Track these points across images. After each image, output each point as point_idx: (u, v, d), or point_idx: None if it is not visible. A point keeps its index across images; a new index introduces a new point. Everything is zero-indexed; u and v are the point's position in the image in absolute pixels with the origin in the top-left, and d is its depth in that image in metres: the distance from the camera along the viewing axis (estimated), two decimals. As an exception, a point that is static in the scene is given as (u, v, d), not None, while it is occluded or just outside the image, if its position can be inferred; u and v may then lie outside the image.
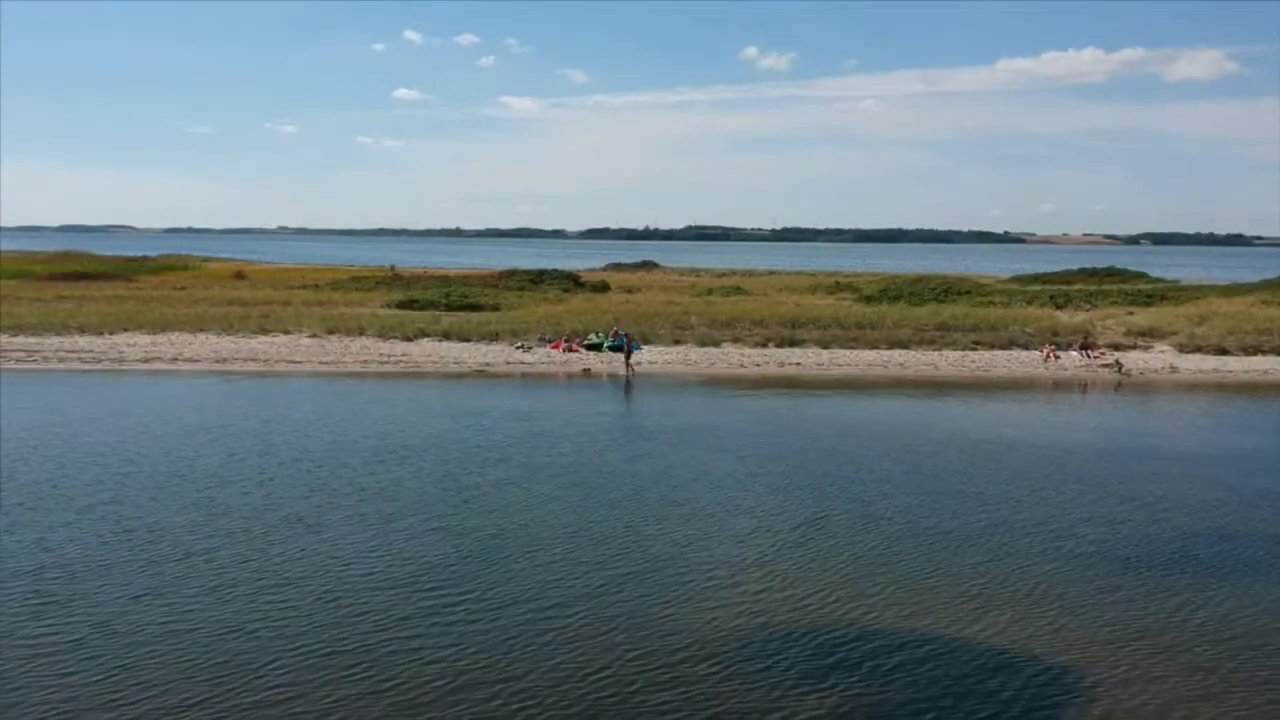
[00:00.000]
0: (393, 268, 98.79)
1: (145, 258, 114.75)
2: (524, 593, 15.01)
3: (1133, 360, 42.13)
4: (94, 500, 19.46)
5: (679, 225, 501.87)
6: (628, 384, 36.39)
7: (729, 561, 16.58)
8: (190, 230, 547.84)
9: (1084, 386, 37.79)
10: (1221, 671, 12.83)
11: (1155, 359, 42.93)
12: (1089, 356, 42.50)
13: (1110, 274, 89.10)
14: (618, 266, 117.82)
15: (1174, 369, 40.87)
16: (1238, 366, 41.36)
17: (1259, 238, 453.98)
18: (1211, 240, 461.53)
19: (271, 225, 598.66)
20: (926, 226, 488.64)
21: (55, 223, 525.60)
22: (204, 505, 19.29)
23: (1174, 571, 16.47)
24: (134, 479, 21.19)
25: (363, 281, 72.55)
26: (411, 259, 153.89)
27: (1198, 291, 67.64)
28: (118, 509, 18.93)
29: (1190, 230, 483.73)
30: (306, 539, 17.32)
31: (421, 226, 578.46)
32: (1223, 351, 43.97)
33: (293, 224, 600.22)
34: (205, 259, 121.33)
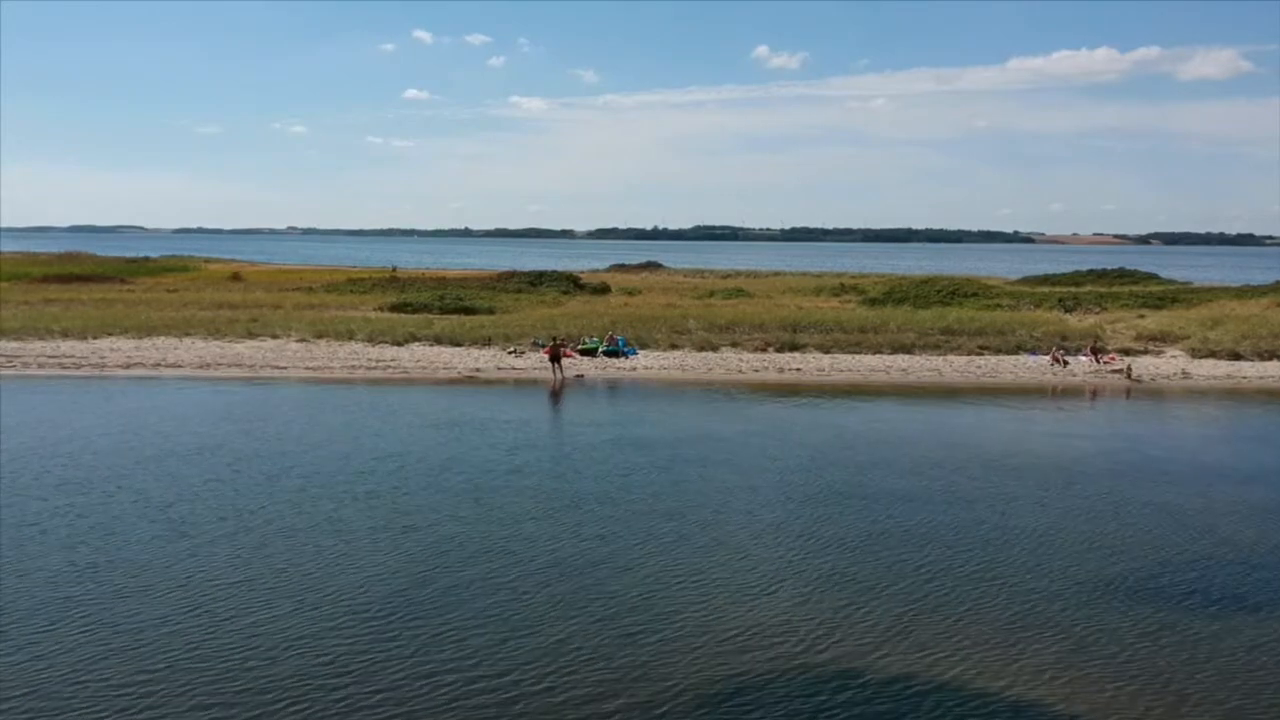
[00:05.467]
0: (393, 269, 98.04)
1: (146, 259, 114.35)
2: (523, 644, 13.83)
3: (1144, 365, 40.82)
4: (72, 537, 18.33)
5: (687, 225, 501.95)
6: (554, 393, 34.86)
7: (743, 604, 15.37)
8: (199, 230, 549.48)
9: (1093, 393, 36.49)
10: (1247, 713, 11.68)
11: (1167, 364, 41.61)
12: (1099, 362, 41.23)
13: (1120, 275, 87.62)
14: (621, 267, 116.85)
15: (1186, 374, 39.55)
16: (1252, 372, 40.01)
17: (1270, 237, 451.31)
18: (1222, 240, 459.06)
19: (280, 225, 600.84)
20: (936, 226, 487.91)
21: (65, 223, 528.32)
22: (178, 534, 18.18)
23: (1196, 600, 15.27)
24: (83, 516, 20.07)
25: (359, 283, 71.52)
26: (420, 259, 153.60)
27: (1210, 294, 66.25)
28: (79, 552, 17.79)
29: (1201, 230, 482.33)
30: (309, 582, 16.07)
31: (430, 226, 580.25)
32: (1236, 356, 42.66)
33: (302, 224, 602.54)
34: (207, 260, 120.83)
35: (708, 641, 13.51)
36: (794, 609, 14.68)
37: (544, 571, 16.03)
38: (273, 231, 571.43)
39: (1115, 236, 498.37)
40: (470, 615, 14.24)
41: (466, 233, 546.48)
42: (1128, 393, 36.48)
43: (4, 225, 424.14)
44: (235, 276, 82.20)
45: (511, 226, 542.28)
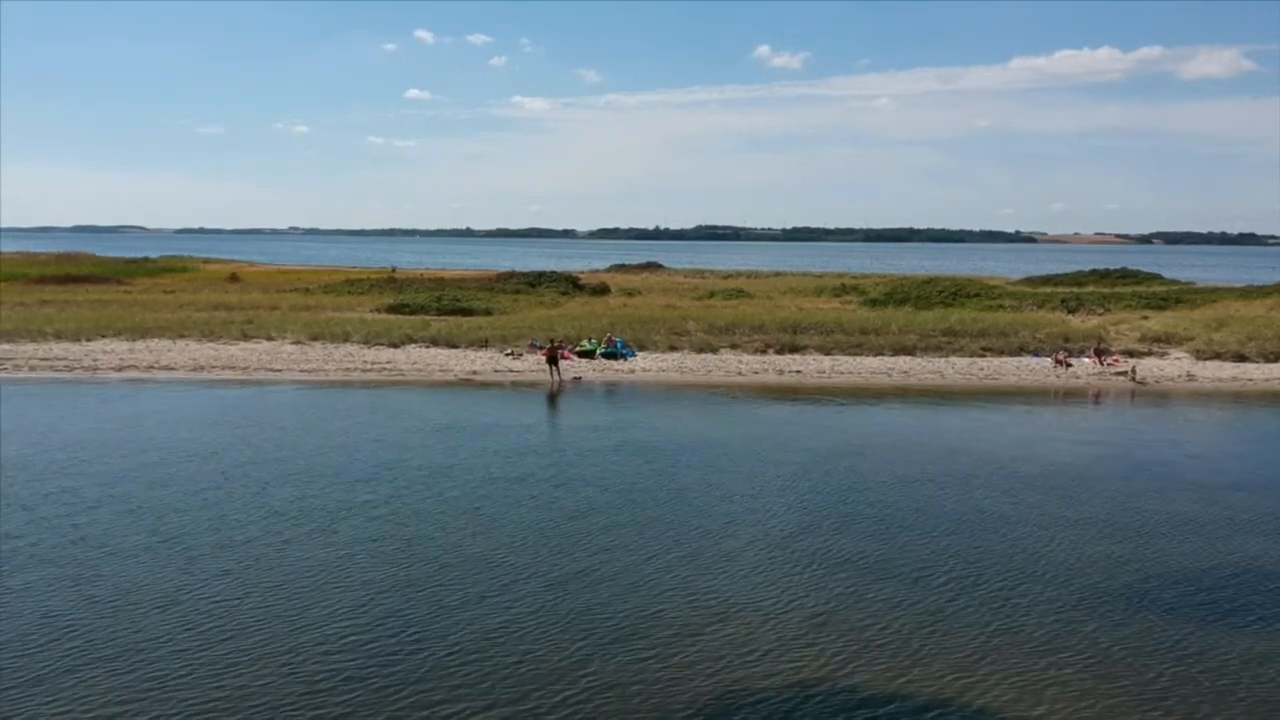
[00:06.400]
0: (393, 269, 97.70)
1: (146, 259, 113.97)
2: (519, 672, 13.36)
3: (1148, 367, 40.36)
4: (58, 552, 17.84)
5: (689, 225, 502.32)
6: (551, 396, 34.25)
7: (752, 623, 14.87)
8: (201, 231, 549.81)
9: (1097, 396, 36.00)
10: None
11: (1171, 366, 41.14)
12: (1102, 364, 40.76)
13: (1123, 275, 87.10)
14: (622, 268, 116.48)
15: (1191, 377, 39.06)
16: (1258, 374, 39.52)
17: (1272, 237, 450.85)
18: (1224, 239, 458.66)
19: (283, 225, 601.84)
20: (938, 226, 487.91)
21: (68, 224, 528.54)
22: (167, 547, 17.73)
23: (1228, 618, 14.80)
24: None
25: (357, 284, 71.11)
26: (421, 259, 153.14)
27: (1213, 294, 65.82)
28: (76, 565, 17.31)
29: (1203, 229, 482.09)
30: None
31: (432, 226, 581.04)
32: (1241, 358, 42.18)
33: (304, 224, 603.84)
34: (206, 260, 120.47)
35: (718, 664, 13.06)
36: (805, 627, 14.22)
37: (547, 588, 15.51)
38: (274, 232, 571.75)
39: (1117, 236, 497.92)
40: (472, 635, 13.73)
41: (468, 233, 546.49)
42: (1132, 395, 36.00)
43: (7, 225, 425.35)
44: (233, 277, 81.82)
45: (513, 226, 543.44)
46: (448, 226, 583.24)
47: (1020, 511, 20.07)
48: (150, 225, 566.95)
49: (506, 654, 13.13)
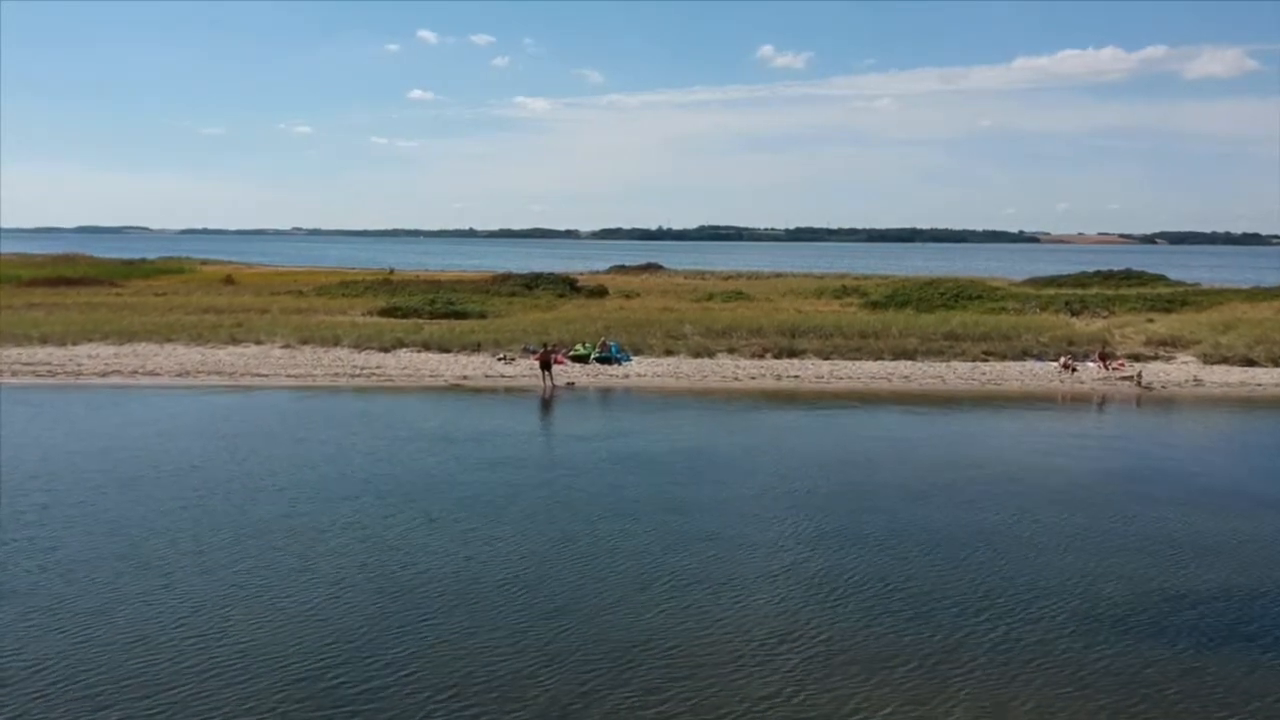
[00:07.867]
0: (390, 270, 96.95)
1: (143, 260, 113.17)
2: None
3: (1154, 372, 39.50)
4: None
5: (692, 225, 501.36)
6: (544, 402, 33.50)
7: (758, 660, 14.05)
8: (205, 231, 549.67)
9: (1102, 401, 35.16)
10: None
11: (1178, 370, 40.26)
12: (1107, 368, 39.89)
13: (1127, 276, 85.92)
14: (621, 269, 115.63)
15: (1198, 381, 38.17)
16: (1266, 379, 38.62)
17: (1276, 237, 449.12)
18: (1228, 239, 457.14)
19: (286, 226, 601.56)
20: (941, 226, 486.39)
21: (71, 224, 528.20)
22: (139, 572, 16.94)
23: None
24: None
25: (351, 286, 70.30)
26: (422, 260, 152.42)
27: (1219, 295, 64.86)
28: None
29: (1206, 229, 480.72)
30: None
31: (435, 227, 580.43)
32: (1249, 362, 41.26)
33: (307, 224, 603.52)
34: (203, 261, 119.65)
35: (728, 701, 12.14)
36: (818, 660, 13.35)
37: (545, 617, 14.54)
38: (277, 232, 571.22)
39: (1120, 236, 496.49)
40: (469, 671, 12.81)
41: (470, 233, 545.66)
42: (1138, 401, 35.14)
43: (10, 226, 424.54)
44: (228, 279, 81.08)
45: (516, 227, 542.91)
46: (450, 227, 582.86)
47: (1034, 528, 19.17)
48: (153, 226, 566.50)
49: (504, 690, 12.31)
